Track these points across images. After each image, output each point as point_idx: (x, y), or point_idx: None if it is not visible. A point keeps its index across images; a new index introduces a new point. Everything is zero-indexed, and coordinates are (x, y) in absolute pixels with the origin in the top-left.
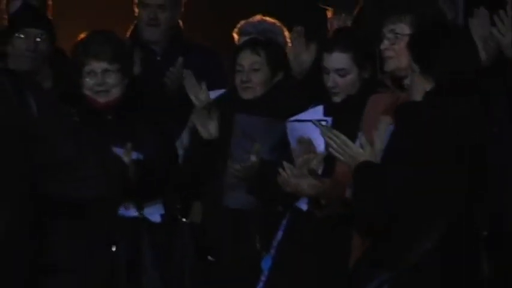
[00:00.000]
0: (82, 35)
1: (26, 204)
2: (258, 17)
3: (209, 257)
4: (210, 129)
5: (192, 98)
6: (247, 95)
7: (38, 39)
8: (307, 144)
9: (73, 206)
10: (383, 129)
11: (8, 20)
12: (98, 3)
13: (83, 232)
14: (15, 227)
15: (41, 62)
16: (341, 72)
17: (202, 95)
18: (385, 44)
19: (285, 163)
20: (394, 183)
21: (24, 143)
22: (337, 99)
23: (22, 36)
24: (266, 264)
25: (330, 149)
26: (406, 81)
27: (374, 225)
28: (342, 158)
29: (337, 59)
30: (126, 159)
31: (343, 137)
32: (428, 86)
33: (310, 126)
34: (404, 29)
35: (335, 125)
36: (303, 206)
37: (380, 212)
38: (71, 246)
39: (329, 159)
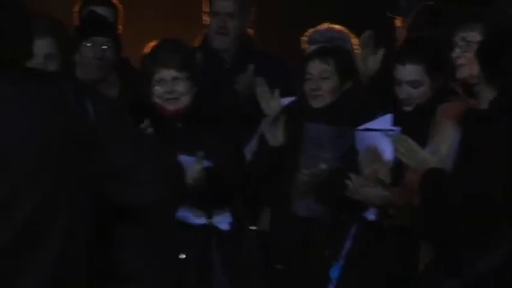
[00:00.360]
0: (151, 44)
1: (86, 213)
2: (325, 25)
3: (278, 266)
4: (278, 136)
5: (263, 105)
6: (316, 104)
7: (105, 47)
8: (374, 153)
9: (136, 213)
10: (448, 135)
11: (76, 29)
12: (165, 12)
13: (150, 240)
14: (75, 237)
15: (107, 70)
16: (414, 84)
17: (273, 102)
18: (457, 51)
19: (352, 175)
20: (463, 190)
21: (84, 151)
22: (408, 108)
23: (89, 44)
24: (335, 272)
25: (398, 155)
26: (476, 89)
27: (442, 233)
28: (410, 163)
29: (410, 71)
30: (197, 167)
31: (411, 142)
32: (492, 94)
33: (379, 136)
34: (475, 36)
35: (404, 134)
36: (371, 216)
37: (449, 219)
38: (138, 254)
39: (398, 168)
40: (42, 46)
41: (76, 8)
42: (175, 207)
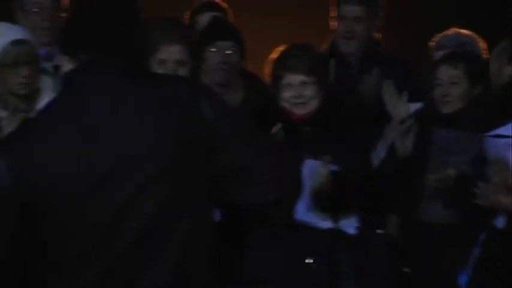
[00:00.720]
0: (279, 49)
1: (207, 215)
2: (452, 30)
3: (405, 269)
4: (406, 144)
5: (390, 109)
6: (446, 109)
7: (229, 52)
8: (502, 162)
9: (257, 215)
10: None
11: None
12: (292, 16)
13: (274, 243)
14: (196, 239)
15: (232, 74)
16: None
17: (401, 106)
18: None
19: (480, 183)
20: None
21: (205, 153)
22: None
23: (214, 49)
24: (463, 279)
25: None
26: None
27: None
28: None
29: None
30: (324, 171)
31: None
32: None
33: (509, 143)
34: None
35: None
36: (500, 224)
37: None
38: (263, 258)
39: None
40: (173, 52)
41: (187, 14)
42: (293, 207)
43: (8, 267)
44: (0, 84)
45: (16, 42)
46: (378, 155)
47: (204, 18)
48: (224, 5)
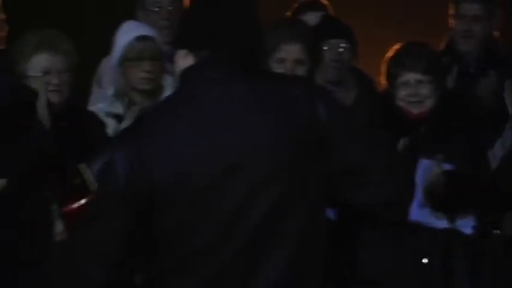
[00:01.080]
0: (395, 47)
1: (320, 214)
2: None
3: None
4: None
5: (511, 108)
6: None
7: (341, 50)
8: None
9: (370, 214)
10: None
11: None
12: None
13: (390, 243)
14: (309, 238)
15: (344, 72)
16: None
17: None
18: None
19: None
20: None
21: (317, 152)
22: None
23: (326, 48)
24: None
25: None
26: None
27: None
28: None
29: None
30: (437, 170)
31: None
32: None
33: None
34: None
35: None
36: None
37: None
38: (376, 257)
39: None
40: (292, 51)
41: (288, 15)
42: (407, 207)
43: (123, 266)
44: (123, 79)
45: (141, 38)
46: (496, 154)
47: (306, 18)
48: (325, 2)
